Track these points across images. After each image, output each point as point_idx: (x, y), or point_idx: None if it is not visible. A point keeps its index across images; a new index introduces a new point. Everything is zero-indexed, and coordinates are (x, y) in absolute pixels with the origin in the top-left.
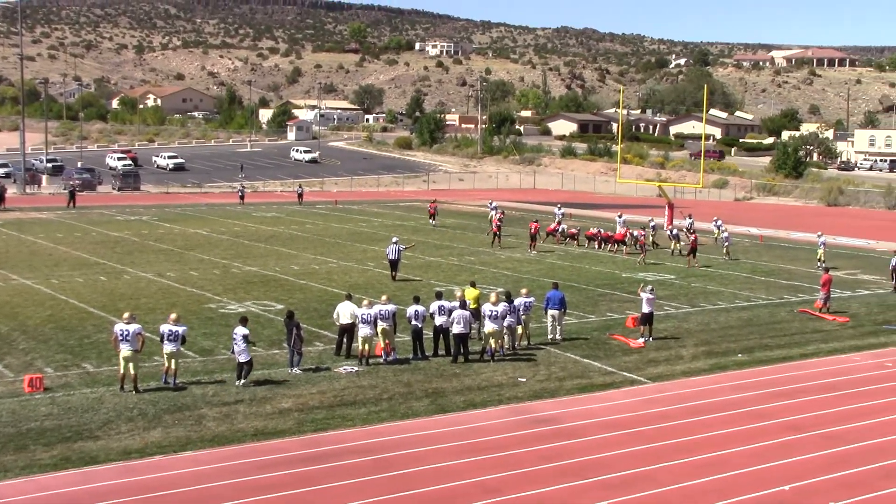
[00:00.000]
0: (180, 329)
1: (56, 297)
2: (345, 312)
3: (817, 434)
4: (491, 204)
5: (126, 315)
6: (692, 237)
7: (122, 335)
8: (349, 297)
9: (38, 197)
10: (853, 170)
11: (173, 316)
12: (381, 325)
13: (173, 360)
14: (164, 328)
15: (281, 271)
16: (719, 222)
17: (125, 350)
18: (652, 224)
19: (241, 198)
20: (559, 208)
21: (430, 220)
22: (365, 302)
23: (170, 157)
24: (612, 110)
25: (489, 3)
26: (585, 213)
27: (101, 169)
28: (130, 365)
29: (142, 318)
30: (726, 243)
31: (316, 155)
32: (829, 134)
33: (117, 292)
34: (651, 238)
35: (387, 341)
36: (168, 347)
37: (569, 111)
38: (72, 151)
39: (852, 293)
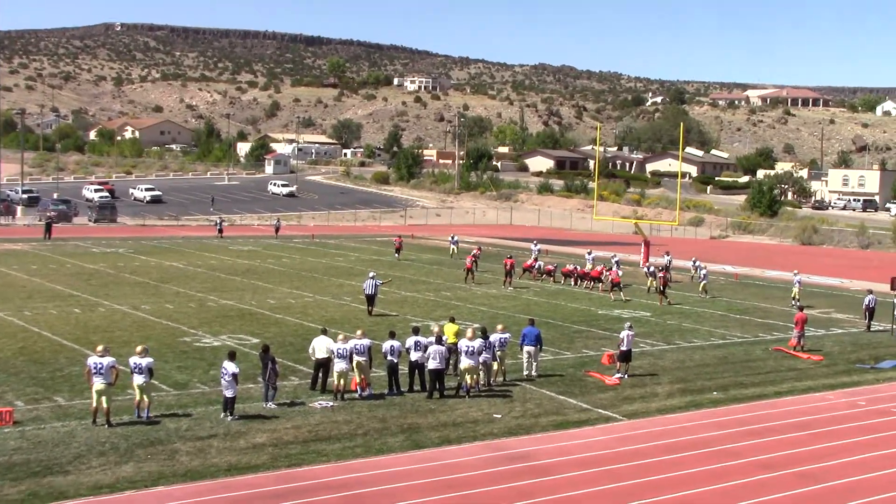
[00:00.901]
0: (144, 362)
1: (28, 329)
2: (320, 347)
3: (790, 473)
4: (452, 238)
5: (100, 348)
6: (661, 274)
7: (95, 368)
8: (324, 332)
9: (14, 228)
10: (827, 209)
11: (139, 348)
12: (356, 359)
13: (144, 393)
14: (132, 361)
15: (257, 305)
16: (697, 262)
17: (98, 383)
18: (615, 259)
19: (220, 231)
20: (535, 244)
21: (395, 255)
22: (340, 336)
23: (147, 190)
24: (589, 147)
25: (467, 39)
26: (562, 250)
27: (77, 200)
28: (104, 398)
29: (116, 352)
30: (703, 281)
31: (293, 189)
32: (804, 173)
33: (91, 325)
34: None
35: (362, 376)
36: (137, 380)
37: (546, 148)
38: (48, 183)
39: (826, 332)
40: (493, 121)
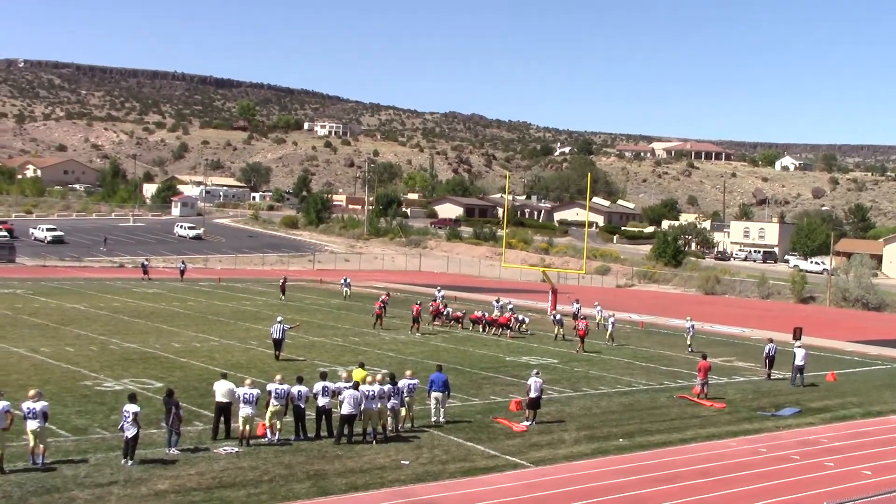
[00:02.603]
0: (38, 406)
1: None
2: (220, 391)
3: None
4: (345, 280)
5: None
6: (581, 323)
7: None
8: (224, 376)
9: None
10: (729, 260)
11: (31, 392)
12: (273, 405)
13: (39, 439)
14: (24, 405)
15: (161, 348)
16: (599, 308)
17: None
18: (498, 304)
19: (146, 272)
20: (439, 290)
21: (281, 296)
22: (247, 381)
23: (48, 230)
24: (498, 195)
25: (379, 85)
26: (470, 297)
27: None
28: None
29: (12, 396)
30: (611, 328)
31: (200, 231)
32: (707, 224)
33: None
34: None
35: (274, 420)
36: (31, 425)
37: (455, 195)
38: None
39: (729, 379)
40: (403, 167)
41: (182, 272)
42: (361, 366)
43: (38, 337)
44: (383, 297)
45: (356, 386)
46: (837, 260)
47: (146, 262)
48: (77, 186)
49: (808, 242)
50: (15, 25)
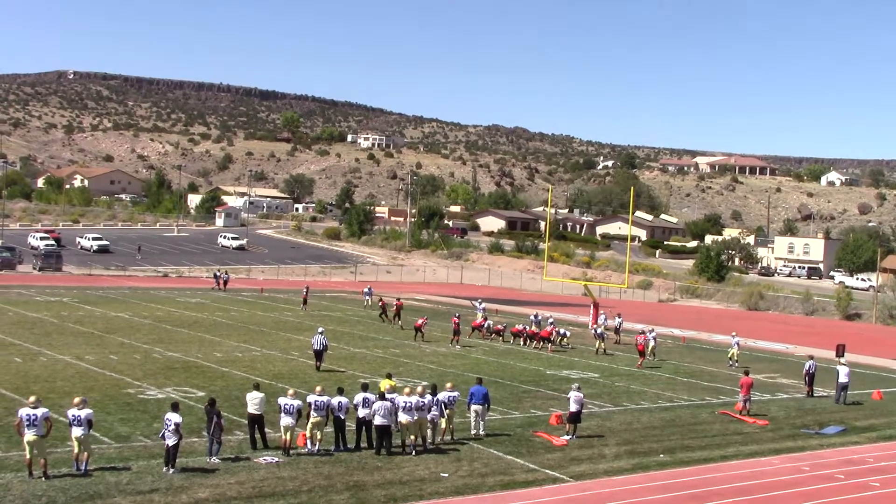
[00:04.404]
0: (83, 413)
1: None
2: (252, 401)
3: None
4: (367, 290)
5: (32, 399)
6: (640, 337)
7: (28, 420)
8: (257, 387)
9: None
10: (773, 275)
11: (76, 400)
12: (314, 417)
13: (83, 446)
14: (69, 413)
15: (203, 358)
16: (604, 317)
17: (30, 435)
18: (536, 318)
19: (224, 283)
20: (480, 303)
21: (303, 306)
22: (290, 392)
23: (94, 239)
24: (541, 208)
25: (422, 98)
26: (511, 310)
27: (22, 248)
28: (36, 451)
29: (57, 402)
30: (652, 343)
31: (243, 242)
32: (751, 239)
33: (32, 374)
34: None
35: (315, 431)
36: (75, 432)
37: (497, 208)
38: None
39: (772, 396)
40: (446, 180)
41: (225, 282)
42: (389, 376)
43: (84, 345)
44: (396, 302)
45: (382, 396)
46: (884, 276)
47: (221, 273)
48: (123, 196)
49: (853, 259)
50: (65, 38)
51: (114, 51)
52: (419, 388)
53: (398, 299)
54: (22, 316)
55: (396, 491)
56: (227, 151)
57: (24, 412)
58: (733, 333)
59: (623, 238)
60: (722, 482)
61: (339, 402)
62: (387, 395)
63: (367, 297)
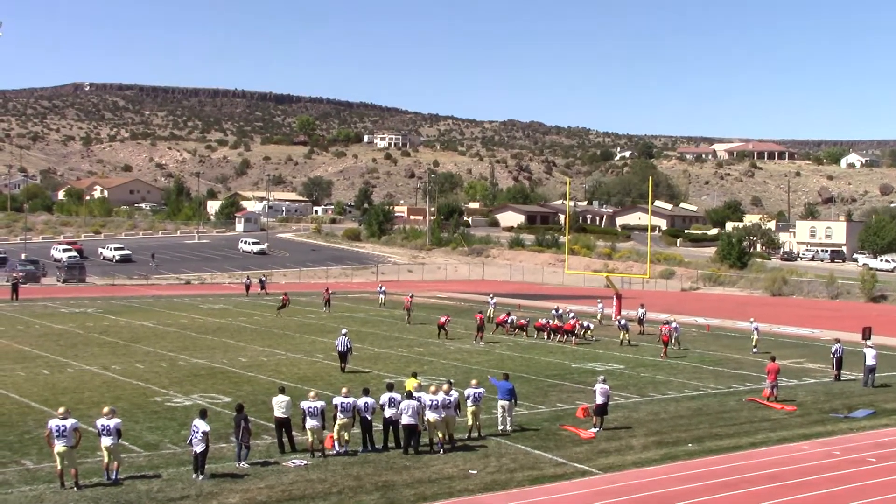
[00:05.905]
0: (112, 423)
1: None
2: (278, 405)
3: None
4: (380, 288)
5: (61, 410)
6: (665, 328)
7: (57, 431)
8: (282, 391)
9: None
10: (796, 260)
11: (105, 409)
12: (340, 418)
13: (113, 455)
14: (99, 423)
15: (228, 363)
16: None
17: (59, 446)
18: (557, 312)
19: (263, 287)
20: (492, 298)
21: (324, 308)
22: (311, 394)
23: (116, 249)
24: (559, 202)
25: (437, 96)
26: (534, 304)
27: (45, 261)
28: (66, 461)
29: (85, 413)
30: (675, 333)
31: (264, 246)
32: (772, 225)
33: (60, 386)
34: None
35: (342, 433)
36: (105, 442)
37: (516, 203)
38: (16, 243)
39: (799, 382)
40: (464, 177)
41: (247, 287)
42: (414, 375)
43: (109, 354)
44: (406, 298)
45: (409, 395)
46: None
47: (264, 279)
48: (143, 205)
49: (877, 240)
50: (80, 51)
51: (128, 61)
52: (444, 386)
53: (410, 296)
54: (48, 328)
55: (426, 489)
56: (245, 157)
57: (53, 423)
58: (751, 319)
59: (643, 228)
60: (752, 469)
61: (365, 402)
62: (413, 394)
63: (382, 296)
